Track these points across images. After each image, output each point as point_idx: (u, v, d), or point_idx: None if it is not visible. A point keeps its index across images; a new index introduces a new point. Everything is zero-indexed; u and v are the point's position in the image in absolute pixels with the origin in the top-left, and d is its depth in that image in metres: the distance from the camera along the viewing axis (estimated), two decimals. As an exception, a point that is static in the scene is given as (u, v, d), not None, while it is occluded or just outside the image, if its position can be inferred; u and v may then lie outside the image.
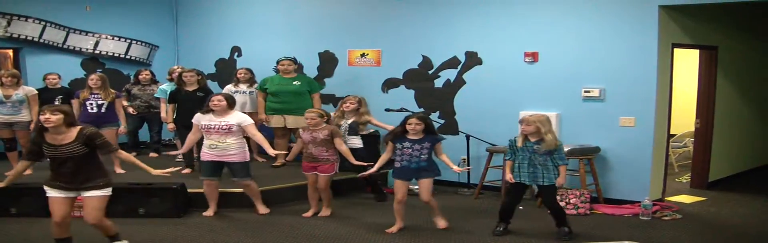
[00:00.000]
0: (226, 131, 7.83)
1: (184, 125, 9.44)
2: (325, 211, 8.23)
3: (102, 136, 6.14)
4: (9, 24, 11.65)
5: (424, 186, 7.40)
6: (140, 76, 11.34)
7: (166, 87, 10.26)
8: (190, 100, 9.37)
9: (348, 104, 8.91)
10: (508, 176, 7.22)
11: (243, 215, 8.23)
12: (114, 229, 6.47)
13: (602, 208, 8.35)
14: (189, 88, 9.52)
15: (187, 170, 9.63)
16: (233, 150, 7.91)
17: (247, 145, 8.16)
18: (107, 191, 6.17)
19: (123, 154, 6.42)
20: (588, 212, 8.21)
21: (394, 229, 7.51)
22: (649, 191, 8.45)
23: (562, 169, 7.05)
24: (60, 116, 5.90)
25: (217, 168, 8.03)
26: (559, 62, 8.88)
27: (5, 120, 9.54)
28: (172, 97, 9.69)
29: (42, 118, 5.89)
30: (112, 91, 9.74)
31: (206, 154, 7.99)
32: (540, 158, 6.99)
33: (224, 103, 7.85)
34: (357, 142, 8.86)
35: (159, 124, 11.22)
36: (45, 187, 6.11)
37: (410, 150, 7.30)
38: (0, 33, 11.61)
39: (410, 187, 7.73)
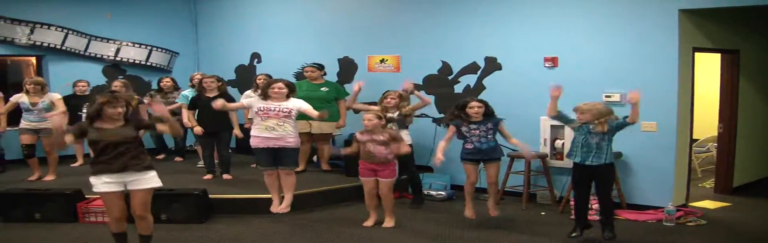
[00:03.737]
0: (285, 115, 7.90)
1: (204, 131, 9.52)
2: (389, 222, 7.95)
3: (147, 120, 6.38)
4: (32, 32, 11.75)
5: (492, 168, 7.72)
6: (162, 84, 11.39)
7: (188, 93, 10.28)
8: (210, 107, 9.32)
9: (389, 100, 8.80)
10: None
11: (262, 222, 8.22)
12: (151, 229, 6.53)
13: (625, 214, 8.28)
14: (209, 95, 9.53)
15: (208, 176, 9.66)
16: (291, 135, 7.96)
17: None
18: (154, 180, 6.28)
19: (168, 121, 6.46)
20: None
21: (470, 212, 7.91)
22: (673, 197, 8.36)
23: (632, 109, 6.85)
24: (124, 109, 6.14)
25: (273, 156, 8.05)
26: (579, 67, 8.83)
27: (32, 126, 9.66)
28: (193, 103, 9.72)
29: (114, 111, 6.04)
30: (136, 96, 9.81)
31: (261, 140, 8.01)
32: (596, 137, 6.91)
33: (285, 90, 7.97)
34: (407, 138, 8.71)
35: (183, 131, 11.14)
36: (92, 181, 6.18)
37: (477, 131, 7.54)
38: (23, 41, 11.70)
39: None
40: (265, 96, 8.04)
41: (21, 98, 9.66)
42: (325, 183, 9.45)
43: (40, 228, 7.97)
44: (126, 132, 6.12)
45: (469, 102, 7.64)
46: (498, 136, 7.79)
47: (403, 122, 8.83)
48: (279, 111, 7.90)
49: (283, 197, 8.37)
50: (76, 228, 7.97)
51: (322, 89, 10.13)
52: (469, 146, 7.67)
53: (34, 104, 9.56)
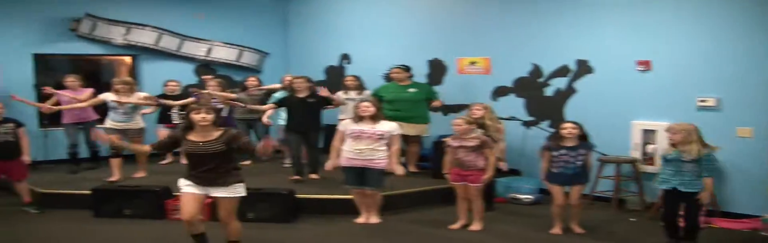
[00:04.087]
0: (378, 137, 7.88)
1: (295, 131, 9.59)
2: (477, 225, 7.93)
3: (243, 138, 6.35)
4: (128, 32, 12.02)
5: (576, 191, 7.64)
6: (247, 82, 11.46)
7: (279, 95, 10.35)
8: (301, 107, 9.46)
9: (474, 111, 8.74)
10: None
11: (349, 222, 8.25)
12: (238, 235, 6.61)
13: (719, 222, 8.06)
14: (300, 95, 9.54)
15: (295, 177, 9.68)
16: (380, 157, 7.93)
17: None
18: (239, 191, 6.35)
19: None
20: (705, 226, 7.96)
21: (557, 230, 7.76)
22: (770, 205, 8.14)
23: (706, 182, 6.78)
24: (213, 115, 6.17)
25: (361, 175, 8.02)
26: (673, 70, 8.62)
27: (118, 126, 9.70)
28: (282, 103, 9.75)
29: (198, 116, 6.12)
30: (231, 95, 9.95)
31: (351, 160, 8.00)
32: (688, 165, 6.78)
33: (373, 108, 7.90)
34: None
35: (264, 130, 11.22)
36: (179, 182, 6.36)
37: (566, 156, 7.46)
38: (119, 41, 11.97)
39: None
40: (358, 118, 8.02)
41: (109, 97, 9.68)
42: (412, 185, 9.41)
43: (129, 223, 8.19)
44: (215, 147, 6.16)
45: (563, 123, 7.65)
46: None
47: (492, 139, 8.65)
48: (372, 133, 7.89)
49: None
50: (163, 224, 8.16)
51: (409, 90, 10.10)
52: (555, 170, 7.62)
53: (121, 104, 9.61)
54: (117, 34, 12.02)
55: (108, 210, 8.53)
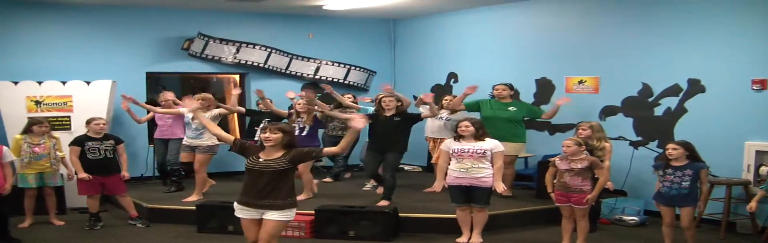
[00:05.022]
0: (480, 156, 7.80)
1: (373, 149, 9.53)
2: None
3: (307, 149, 6.27)
4: (238, 51, 12.25)
5: (684, 213, 7.37)
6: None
7: (371, 109, 10.24)
8: (385, 125, 9.33)
9: (581, 131, 8.59)
10: (751, 205, 6.95)
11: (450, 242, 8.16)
12: None
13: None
14: (387, 114, 9.41)
15: (384, 203, 9.34)
16: (487, 175, 7.83)
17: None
18: (287, 216, 6.16)
19: (330, 150, 6.44)
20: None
21: None
22: None
23: None
24: (279, 135, 6.05)
25: (466, 194, 7.95)
26: (791, 89, 8.36)
27: (188, 143, 9.78)
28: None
29: (263, 135, 6.07)
30: (315, 112, 9.91)
31: (456, 179, 7.93)
32: None
33: (472, 128, 7.82)
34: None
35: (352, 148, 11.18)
36: (235, 205, 6.23)
37: (672, 177, 7.27)
38: (229, 60, 12.20)
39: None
40: (456, 137, 7.96)
41: (187, 112, 9.67)
42: (516, 204, 9.32)
43: (231, 240, 8.27)
44: (275, 165, 6.03)
45: (668, 143, 7.42)
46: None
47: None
48: (473, 152, 7.81)
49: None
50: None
51: (509, 109, 9.92)
52: (662, 190, 7.42)
53: (194, 119, 9.49)
54: (227, 53, 12.25)
55: (211, 226, 8.69)
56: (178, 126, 10.77)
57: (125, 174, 9.00)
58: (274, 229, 6.10)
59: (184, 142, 9.87)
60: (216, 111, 9.71)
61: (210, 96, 9.88)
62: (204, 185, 9.91)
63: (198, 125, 9.54)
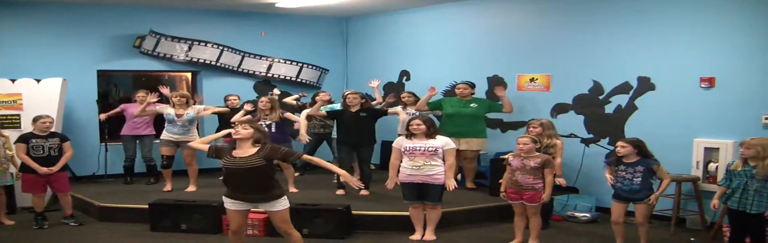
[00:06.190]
0: (432, 153, 7.81)
1: (345, 143, 9.76)
2: (533, 242, 7.88)
3: (282, 148, 6.50)
4: (190, 49, 12.17)
5: (638, 209, 7.43)
6: (318, 97, 11.40)
7: (336, 106, 10.44)
8: (352, 120, 9.66)
9: (532, 128, 8.64)
10: (714, 202, 6.99)
11: (403, 239, 8.19)
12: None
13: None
14: (352, 109, 9.70)
15: (340, 191, 9.91)
16: (439, 172, 7.85)
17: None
18: (284, 204, 6.45)
19: (310, 157, 6.73)
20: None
21: None
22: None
23: None
24: (250, 131, 6.33)
25: (419, 191, 7.97)
26: (738, 87, 8.44)
27: (174, 139, 10.11)
28: (333, 115, 9.97)
29: (233, 130, 6.36)
30: (281, 110, 10.01)
31: (409, 177, 7.94)
32: (756, 184, 6.62)
33: (423, 126, 7.82)
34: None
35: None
36: (223, 199, 6.49)
37: (624, 173, 7.35)
38: (181, 57, 12.13)
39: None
40: (407, 134, 7.99)
41: (166, 109, 10.14)
42: (469, 202, 9.36)
43: (185, 238, 8.24)
44: (251, 162, 6.25)
45: (618, 141, 7.53)
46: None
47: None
48: (425, 150, 7.82)
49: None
50: (219, 239, 8.19)
51: (471, 105, 10.15)
52: (614, 186, 7.48)
53: (179, 116, 10.00)
54: (179, 51, 12.17)
55: (165, 224, 8.62)
56: (150, 123, 11.23)
57: (52, 169, 8.71)
58: (283, 216, 6.48)
59: (165, 138, 10.19)
60: (198, 107, 10.28)
61: (187, 93, 10.45)
62: (196, 176, 10.48)
63: (184, 123, 10.02)
